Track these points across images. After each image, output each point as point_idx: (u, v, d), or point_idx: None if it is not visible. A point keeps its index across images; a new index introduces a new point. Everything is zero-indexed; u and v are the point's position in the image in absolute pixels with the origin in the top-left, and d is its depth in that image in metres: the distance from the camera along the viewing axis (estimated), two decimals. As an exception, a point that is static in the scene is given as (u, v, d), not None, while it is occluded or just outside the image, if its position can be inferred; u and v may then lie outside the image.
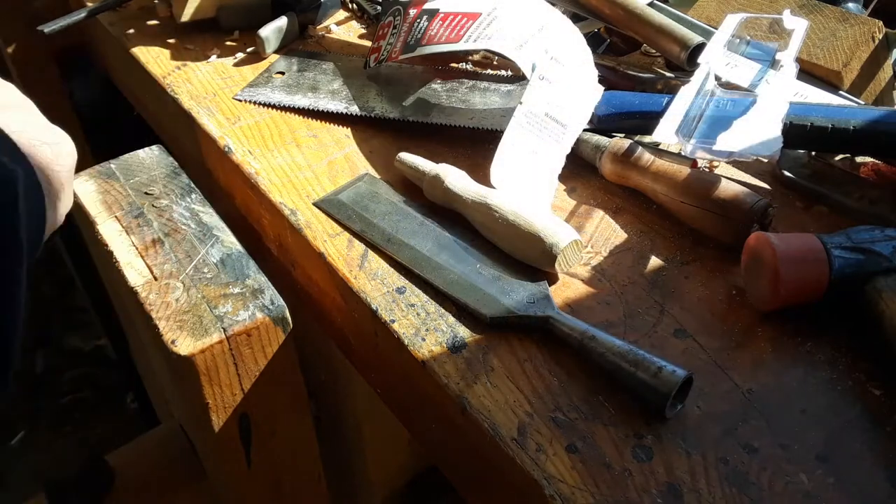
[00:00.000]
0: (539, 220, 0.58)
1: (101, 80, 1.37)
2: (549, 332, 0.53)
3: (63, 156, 0.46)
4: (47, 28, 0.87)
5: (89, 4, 0.95)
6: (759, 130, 0.62)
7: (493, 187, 0.63)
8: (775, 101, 0.64)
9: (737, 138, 0.62)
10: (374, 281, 0.59)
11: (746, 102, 0.65)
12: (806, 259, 0.52)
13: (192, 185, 0.73)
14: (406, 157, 0.68)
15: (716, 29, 0.79)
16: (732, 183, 0.60)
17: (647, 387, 0.48)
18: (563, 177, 0.66)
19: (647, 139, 0.71)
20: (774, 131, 0.61)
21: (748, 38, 0.72)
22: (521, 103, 0.65)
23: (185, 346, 0.58)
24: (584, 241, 0.61)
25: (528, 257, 0.58)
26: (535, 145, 0.65)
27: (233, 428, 0.65)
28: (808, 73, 0.73)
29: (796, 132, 0.63)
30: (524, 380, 0.51)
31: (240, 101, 0.80)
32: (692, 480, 0.44)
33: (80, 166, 0.75)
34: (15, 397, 1.89)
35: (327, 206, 0.66)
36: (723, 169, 0.69)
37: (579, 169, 0.69)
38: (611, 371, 0.50)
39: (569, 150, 0.66)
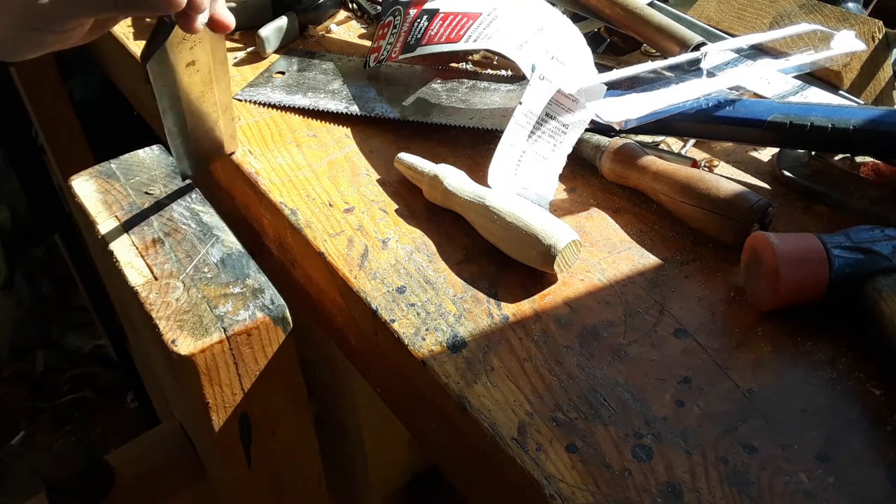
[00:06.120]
0: (538, 220, 0.58)
1: (101, 80, 1.37)
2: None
3: None
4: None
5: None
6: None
7: (492, 187, 0.63)
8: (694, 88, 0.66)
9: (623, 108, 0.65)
10: (374, 281, 0.59)
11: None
12: (806, 259, 0.52)
13: (193, 184, 0.73)
14: (405, 157, 0.68)
15: (715, 29, 0.80)
16: (732, 182, 0.60)
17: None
18: (563, 177, 0.66)
19: (647, 139, 0.71)
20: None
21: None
22: (520, 103, 0.65)
23: (185, 345, 0.58)
24: (583, 241, 0.61)
25: (528, 258, 0.58)
26: (535, 145, 0.65)
27: (233, 427, 0.65)
28: (808, 72, 0.73)
29: (796, 132, 0.63)
30: (524, 380, 0.51)
31: (240, 100, 0.80)
32: (692, 480, 0.44)
33: (81, 166, 0.76)
34: (15, 397, 1.89)
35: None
36: (723, 169, 0.69)
37: (579, 169, 0.69)
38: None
39: (569, 150, 0.66)
